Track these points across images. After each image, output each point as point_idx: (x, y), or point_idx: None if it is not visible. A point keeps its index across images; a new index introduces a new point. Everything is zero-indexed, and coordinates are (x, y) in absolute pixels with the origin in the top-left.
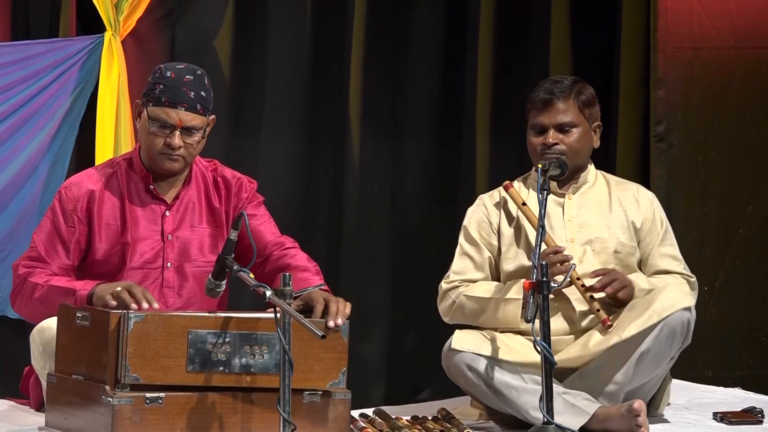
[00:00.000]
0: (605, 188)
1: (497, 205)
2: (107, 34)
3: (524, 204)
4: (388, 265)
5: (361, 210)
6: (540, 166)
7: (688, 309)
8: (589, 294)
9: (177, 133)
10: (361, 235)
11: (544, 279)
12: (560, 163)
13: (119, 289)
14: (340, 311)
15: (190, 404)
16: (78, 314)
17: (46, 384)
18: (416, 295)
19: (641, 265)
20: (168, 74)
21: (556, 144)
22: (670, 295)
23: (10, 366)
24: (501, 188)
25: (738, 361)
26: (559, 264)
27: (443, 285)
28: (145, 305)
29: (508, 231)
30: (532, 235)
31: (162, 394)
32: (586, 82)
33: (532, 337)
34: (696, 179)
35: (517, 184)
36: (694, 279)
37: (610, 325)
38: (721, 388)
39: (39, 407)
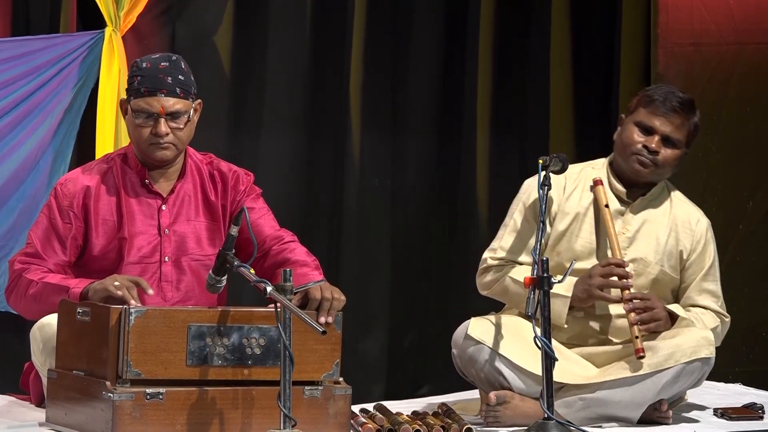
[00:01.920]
0: (668, 207)
1: (561, 192)
2: (108, 30)
3: (606, 206)
4: (388, 263)
5: (361, 208)
6: (540, 161)
7: (706, 360)
8: (634, 319)
9: (162, 120)
10: (362, 233)
11: (545, 275)
12: (561, 158)
13: (117, 283)
14: (333, 307)
15: (191, 400)
16: (78, 310)
17: (47, 380)
18: (416, 292)
19: (678, 293)
20: (144, 65)
21: (656, 152)
22: (692, 342)
23: (11, 362)
24: (565, 174)
25: (738, 357)
26: (616, 278)
27: (489, 259)
28: (150, 291)
29: (561, 225)
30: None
31: (162, 390)
32: None
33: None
34: (696, 175)
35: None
36: (728, 319)
37: (642, 356)
38: (721, 384)
39: (39, 403)
